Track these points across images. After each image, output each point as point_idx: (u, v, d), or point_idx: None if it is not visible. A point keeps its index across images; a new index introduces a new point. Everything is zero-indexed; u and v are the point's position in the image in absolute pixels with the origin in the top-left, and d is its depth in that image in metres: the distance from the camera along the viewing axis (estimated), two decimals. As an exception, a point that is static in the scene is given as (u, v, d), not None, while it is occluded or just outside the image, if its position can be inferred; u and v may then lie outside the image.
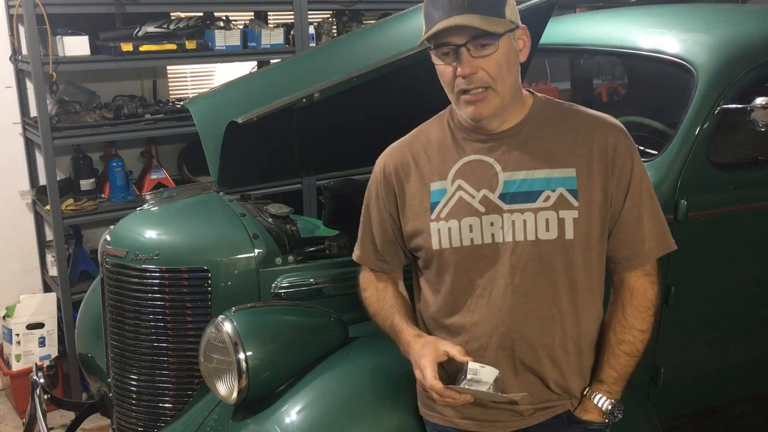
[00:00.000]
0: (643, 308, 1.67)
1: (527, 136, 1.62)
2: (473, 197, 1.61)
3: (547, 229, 1.58)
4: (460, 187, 1.62)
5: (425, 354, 1.60)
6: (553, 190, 1.58)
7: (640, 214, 1.64)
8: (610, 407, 1.67)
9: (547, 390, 1.66)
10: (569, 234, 1.58)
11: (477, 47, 1.50)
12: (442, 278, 1.65)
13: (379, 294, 1.80)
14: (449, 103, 1.66)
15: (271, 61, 3.99)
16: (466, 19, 1.47)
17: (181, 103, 3.73)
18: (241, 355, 1.86)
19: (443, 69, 1.55)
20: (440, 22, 1.49)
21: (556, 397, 1.68)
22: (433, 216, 1.63)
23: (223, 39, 3.77)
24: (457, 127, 1.67)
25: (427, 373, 1.57)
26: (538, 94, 1.68)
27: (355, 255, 1.85)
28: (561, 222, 1.58)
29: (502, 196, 1.59)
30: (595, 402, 1.68)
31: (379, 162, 1.75)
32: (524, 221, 1.58)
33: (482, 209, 1.60)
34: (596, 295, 1.68)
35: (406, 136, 1.75)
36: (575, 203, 1.58)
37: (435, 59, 1.56)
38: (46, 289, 3.96)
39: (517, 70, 1.59)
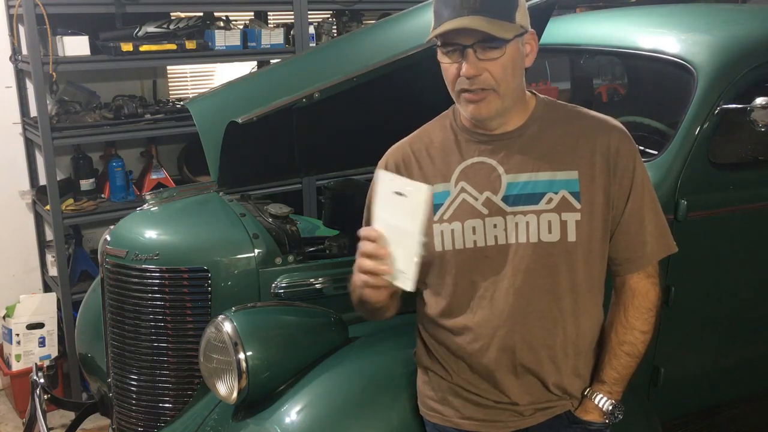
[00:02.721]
0: (645, 309, 1.67)
1: (530, 138, 1.61)
2: (476, 199, 1.60)
3: (550, 232, 1.57)
4: (463, 190, 1.61)
5: None
6: (556, 193, 1.58)
7: (642, 217, 1.63)
8: (610, 408, 1.67)
9: (546, 391, 1.66)
10: (572, 236, 1.58)
11: (484, 49, 1.49)
12: (443, 280, 1.65)
13: None
14: (449, 103, 1.66)
15: (271, 61, 3.99)
16: (475, 22, 1.45)
17: (181, 103, 3.73)
18: (241, 355, 1.86)
19: (447, 67, 1.55)
20: (449, 21, 1.47)
21: (556, 398, 1.68)
22: (436, 218, 1.62)
23: (223, 39, 3.77)
24: (460, 129, 1.66)
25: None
26: (541, 96, 1.68)
27: None
28: (563, 224, 1.57)
29: (505, 199, 1.59)
30: (596, 402, 1.68)
31: (382, 162, 1.74)
32: (527, 223, 1.58)
33: (485, 211, 1.59)
34: (597, 297, 1.67)
35: (409, 136, 1.75)
36: (578, 206, 1.58)
37: (440, 56, 1.56)
38: (46, 289, 3.96)
39: (521, 74, 1.58)
